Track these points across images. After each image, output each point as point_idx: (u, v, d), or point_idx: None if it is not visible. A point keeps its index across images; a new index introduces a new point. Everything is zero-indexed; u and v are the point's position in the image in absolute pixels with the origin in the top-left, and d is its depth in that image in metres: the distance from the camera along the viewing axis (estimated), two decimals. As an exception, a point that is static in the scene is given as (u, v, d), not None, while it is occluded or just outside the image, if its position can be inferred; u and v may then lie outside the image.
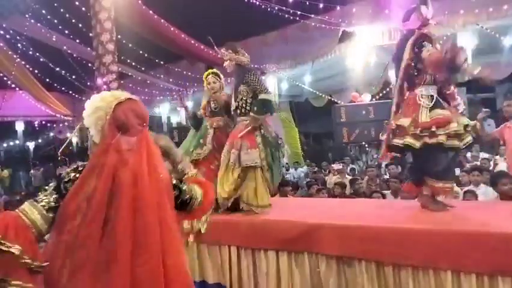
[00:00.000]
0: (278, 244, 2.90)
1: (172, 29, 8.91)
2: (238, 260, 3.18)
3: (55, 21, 8.84)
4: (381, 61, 9.95)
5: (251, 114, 3.40)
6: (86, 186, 1.42)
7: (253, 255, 3.11)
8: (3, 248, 1.31)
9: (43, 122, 16.72)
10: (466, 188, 4.68)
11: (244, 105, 3.47)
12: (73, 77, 11.47)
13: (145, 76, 12.34)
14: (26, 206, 1.46)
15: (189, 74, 11.63)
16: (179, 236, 1.58)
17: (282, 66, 10.13)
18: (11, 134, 18.11)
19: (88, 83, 11.36)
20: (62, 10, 8.52)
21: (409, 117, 2.85)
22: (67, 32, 9.19)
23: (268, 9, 8.45)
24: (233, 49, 3.67)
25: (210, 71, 4.09)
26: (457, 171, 6.14)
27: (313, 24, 9.02)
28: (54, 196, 1.48)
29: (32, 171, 16.09)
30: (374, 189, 5.38)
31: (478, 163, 6.61)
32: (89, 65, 9.00)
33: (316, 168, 9.74)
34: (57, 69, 10.87)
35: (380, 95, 10.32)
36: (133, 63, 10.66)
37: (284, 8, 8.48)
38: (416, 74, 2.93)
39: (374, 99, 10.19)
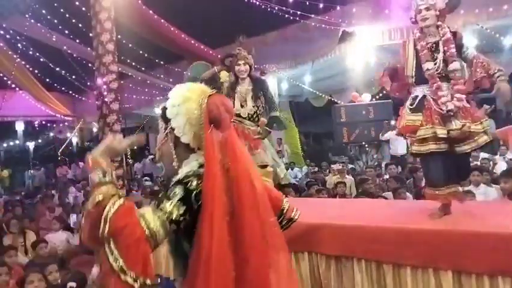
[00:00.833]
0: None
1: (172, 29, 8.91)
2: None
3: (55, 21, 8.84)
4: (381, 61, 9.94)
5: (266, 128, 3.58)
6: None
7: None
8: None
9: (43, 122, 16.74)
10: (466, 188, 4.68)
11: (258, 114, 3.63)
12: (73, 77, 11.47)
13: (145, 76, 12.34)
14: (148, 212, 1.28)
15: (189, 74, 11.62)
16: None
17: (282, 66, 10.13)
18: (11, 134, 18.13)
19: (88, 83, 11.36)
20: (62, 10, 8.53)
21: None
22: (67, 32, 9.20)
23: (268, 9, 8.46)
24: (248, 51, 3.73)
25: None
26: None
27: (313, 24, 9.03)
28: (182, 209, 1.29)
29: (32, 171, 16.09)
30: (379, 192, 5.35)
31: (478, 163, 6.61)
32: (89, 65, 9.00)
33: (316, 168, 9.73)
34: (57, 69, 10.88)
35: (380, 95, 10.32)
36: (133, 63, 10.67)
37: (284, 8, 8.49)
38: None
39: (374, 99, 10.19)
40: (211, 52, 10.05)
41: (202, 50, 9.73)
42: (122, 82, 9.67)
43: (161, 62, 11.46)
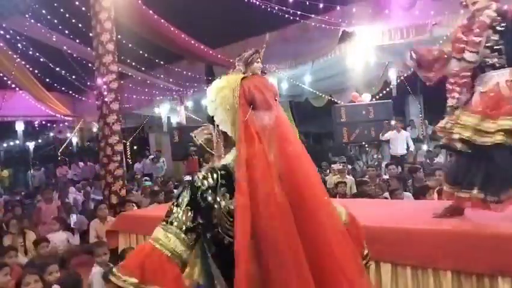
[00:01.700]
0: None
1: (172, 29, 8.90)
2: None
3: (55, 21, 8.82)
4: (381, 61, 9.95)
5: None
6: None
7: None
8: None
9: (43, 122, 16.72)
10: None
11: None
12: (73, 77, 11.46)
13: (145, 76, 12.33)
14: (160, 233, 1.20)
15: (189, 74, 11.63)
16: None
17: (282, 66, 10.13)
18: (11, 134, 18.11)
19: (88, 83, 11.35)
20: (62, 10, 8.51)
21: None
22: (67, 32, 9.18)
23: (268, 9, 8.45)
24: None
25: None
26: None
27: (313, 24, 9.02)
28: (189, 215, 1.20)
29: (32, 171, 16.09)
30: (378, 193, 5.35)
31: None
32: (89, 65, 8.99)
33: (316, 168, 9.72)
34: (57, 69, 10.86)
35: (380, 95, 10.32)
36: (133, 63, 10.65)
37: (284, 8, 8.48)
38: None
39: (374, 99, 10.19)
40: (211, 52, 10.05)
41: (202, 50, 9.72)
42: (122, 82, 9.66)
43: (161, 62, 11.44)
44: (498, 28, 2.43)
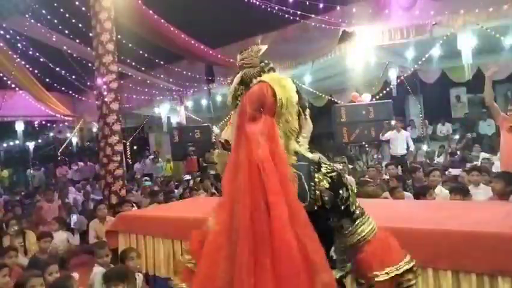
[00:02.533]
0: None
1: (172, 29, 8.90)
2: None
3: (55, 21, 8.83)
4: (381, 61, 9.95)
5: None
6: None
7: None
8: None
9: (43, 122, 16.73)
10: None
11: None
12: (73, 77, 11.46)
13: (145, 76, 12.33)
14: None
15: (189, 74, 11.63)
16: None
17: (282, 66, 10.13)
18: (10, 134, 18.11)
19: (88, 83, 11.35)
20: (62, 10, 8.51)
21: None
22: (66, 32, 9.18)
23: (268, 9, 8.45)
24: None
25: None
26: (458, 171, 6.16)
27: (313, 24, 9.02)
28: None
29: (31, 171, 16.09)
30: (378, 193, 5.34)
31: (479, 163, 6.60)
32: (89, 65, 8.99)
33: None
34: (57, 69, 10.86)
35: (380, 95, 10.32)
36: (133, 63, 10.66)
37: (284, 8, 8.48)
38: None
39: (374, 99, 10.19)
40: (211, 52, 10.05)
41: (202, 50, 9.72)
42: (122, 82, 9.67)
43: (161, 62, 11.45)
44: None
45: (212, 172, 9.09)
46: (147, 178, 11.35)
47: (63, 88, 12.83)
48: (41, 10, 8.60)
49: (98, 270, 3.64)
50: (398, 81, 10.30)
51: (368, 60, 9.15)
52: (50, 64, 10.55)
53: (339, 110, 9.81)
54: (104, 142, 6.74)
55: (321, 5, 8.52)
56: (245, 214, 1.15)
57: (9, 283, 3.44)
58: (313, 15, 8.79)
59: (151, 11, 8.32)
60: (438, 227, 2.44)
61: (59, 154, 16.44)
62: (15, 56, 10.32)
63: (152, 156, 13.96)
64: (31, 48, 10.03)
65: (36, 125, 17.09)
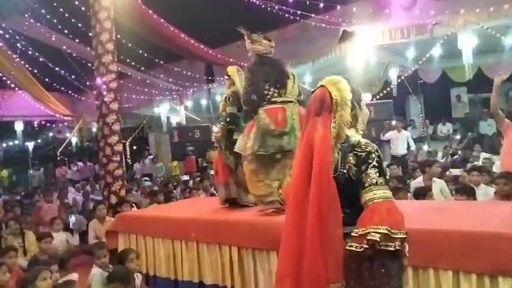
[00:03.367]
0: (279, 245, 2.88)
1: (171, 28, 8.89)
2: (239, 260, 3.17)
3: (55, 20, 8.81)
4: (381, 61, 9.95)
5: None
6: None
7: (253, 255, 3.10)
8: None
9: (42, 122, 16.71)
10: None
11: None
12: (73, 76, 11.45)
13: (144, 76, 12.32)
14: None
15: (189, 73, 11.62)
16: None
17: (281, 66, 10.12)
18: (10, 134, 18.09)
19: (88, 83, 11.34)
20: (61, 10, 8.50)
21: None
22: (66, 31, 9.17)
23: (268, 9, 8.44)
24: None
25: None
26: (458, 171, 6.15)
27: (313, 24, 9.01)
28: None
29: (31, 171, 16.07)
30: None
31: (479, 163, 6.59)
32: (89, 64, 8.98)
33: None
34: (57, 69, 10.85)
35: (381, 94, 10.32)
36: (133, 63, 10.65)
37: (284, 8, 8.47)
38: None
39: (374, 99, 10.18)
40: (210, 52, 10.04)
41: (201, 49, 9.71)
42: (121, 82, 9.65)
43: (161, 62, 11.44)
44: None
45: (212, 172, 9.07)
46: (147, 178, 11.33)
47: (62, 88, 12.82)
48: (41, 10, 8.59)
49: (96, 272, 3.63)
50: (399, 81, 10.29)
51: (369, 60, 9.15)
52: (49, 64, 10.54)
53: (339, 109, 9.77)
54: (104, 142, 6.72)
55: (321, 5, 8.52)
56: (295, 184, 1.69)
57: (10, 282, 3.44)
58: (313, 15, 8.78)
59: (150, 11, 8.30)
60: (439, 227, 2.43)
61: (58, 154, 16.42)
62: (14, 56, 10.31)
63: (151, 157, 13.93)
64: (30, 48, 10.02)
65: (35, 125, 17.08)
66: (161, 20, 8.61)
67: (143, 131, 17.36)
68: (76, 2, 7.99)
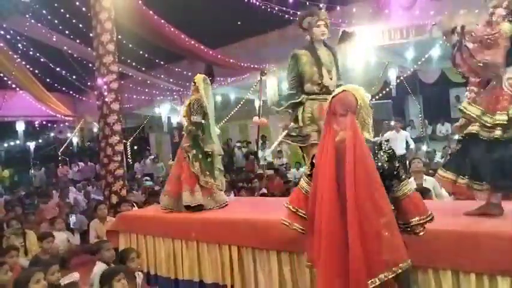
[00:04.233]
0: (280, 245, 2.91)
1: (172, 29, 8.91)
2: (239, 259, 3.20)
3: (55, 21, 8.84)
4: (381, 61, 9.95)
5: None
6: None
7: (253, 254, 3.13)
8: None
9: (44, 122, 16.75)
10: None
11: None
12: (73, 77, 11.47)
13: (145, 76, 12.34)
14: None
15: (189, 74, 11.62)
16: None
17: (282, 66, 10.13)
18: (11, 134, 18.12)
19: (89, 83, 11.37)
20: (62, 10, 8.52)
21: None
22: (67, 32, 9.19)
23: (268, 9, 8.46)
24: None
25: None
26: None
27: (313, 24, 9.01)
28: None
29: (32, 171, 16.09)
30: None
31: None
32: (90, 65, 9.00)
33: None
34: (58, 69, 10.88)
35: (380, 95, 10.33)
36: (133, 64, 10.67)
37: (284, 8, 8.48)
38: None
39: (373, 99, 10.18)
40: (211, 52, 10.05)
41: (202, 50, 9.72)
42: (122, 82, 9.67)
43: (162, 62, 11.46)
44: None
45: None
46: (148, 178, 11.35)
47: (63, 88, 12.85)
48: (42, 10, 8.61)
49: (98, 270, 3.65)
50: (398, 81, 10.30)
51: (368, 60, 9.15)
52: (50, 64, 10.57)
53: (339, 110, 9.78)
54: (105, 142, 6.74)
55: (321, 5, 8.52)
56: (328, 184, 1.85)
57: (11, 281, 3.45)
58: (313, 15, 8.78)
59: (151, 12, 8.32)
60: (439, 227, 2.44)
61: (59, 154, 16.44)
62: (15, 56, 10.33)
63: (152, 157, 13.96)
64: (31, 49, 10.04)
65: (36, 125, 17.10)
66: (162, 21, 8.63)
67: (144, 131, 17.39)
68: (77, 3, 8.01)
